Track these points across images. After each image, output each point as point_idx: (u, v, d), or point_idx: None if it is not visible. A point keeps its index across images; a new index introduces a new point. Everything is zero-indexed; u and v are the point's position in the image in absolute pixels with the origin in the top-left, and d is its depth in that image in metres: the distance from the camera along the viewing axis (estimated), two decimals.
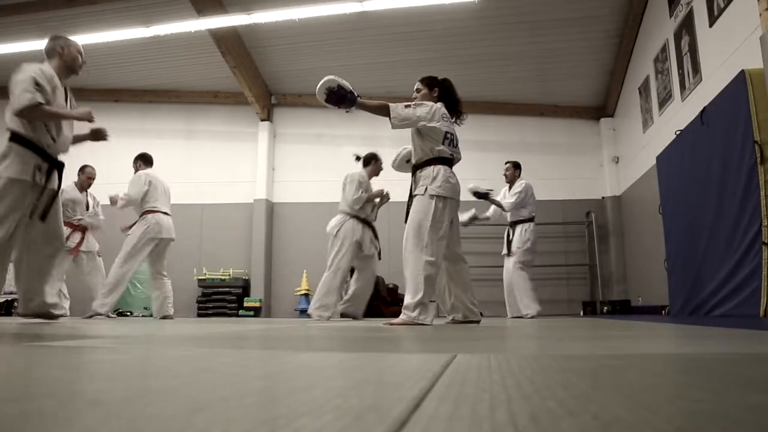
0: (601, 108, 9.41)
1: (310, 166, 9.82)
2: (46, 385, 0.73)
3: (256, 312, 9.00)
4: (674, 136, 5.71)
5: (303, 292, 9.04)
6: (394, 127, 3.64)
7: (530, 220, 6.39)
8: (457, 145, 3.81)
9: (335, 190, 9.87)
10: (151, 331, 2.71)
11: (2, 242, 3.24)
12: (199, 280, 9.16)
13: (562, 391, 0.63)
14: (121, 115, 10.27)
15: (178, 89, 10.02)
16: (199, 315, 8.90)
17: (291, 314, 9.01)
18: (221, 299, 9.06)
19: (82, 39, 7.67)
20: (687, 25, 6.08)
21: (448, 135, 3.70)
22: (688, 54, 6.08)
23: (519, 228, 6.32)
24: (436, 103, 3.75)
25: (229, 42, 8.18)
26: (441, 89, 3.87)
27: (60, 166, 3.55)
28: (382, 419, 0.48)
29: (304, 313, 8.86)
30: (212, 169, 9.87)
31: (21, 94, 3.20)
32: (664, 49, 6.82)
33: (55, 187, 3.51)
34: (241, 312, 8.99)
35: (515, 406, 0.54)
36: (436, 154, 3.67)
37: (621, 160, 9.05)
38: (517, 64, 8.61)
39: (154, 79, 9.78)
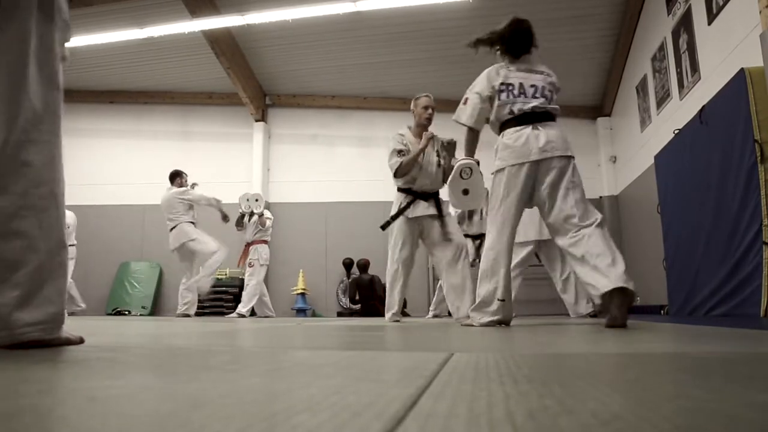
0: (598, 107, 9.41)
1: (305, 166, 9.83)
2: (42, 382, 0.73)
3: (253, 311, 8.98)
4: (672, 135, 5.71)
5: (299, 291, 9.04)
6: (475, 126, 3.09)
7: None
8: (528, 92, 2.98)
9: (330, 190, 10.01)
10: (149, 330, 2.70)
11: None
12: None
13: (560, 389, 0.62)
14: (116, 116, 10.28)
15: (172, 90, 10.01)
16: (197, 314, 8.87)
17: (288, 313, 9.01)
18: (218, 298, 9.03)
19: (76, 41, 7.73)
20: (685, 23, 6.07)
21: (504, 86, 3.01)
22: (687, 52, 6.08)
23: None
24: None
25: (223, 43, 8.16)
26: (503, 39, 3.17)
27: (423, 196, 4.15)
28: (380, 416, 0.47)
29: (300, 311, 8.87)
30: (207, 170, 9.82)
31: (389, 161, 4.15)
32: (662, 47, 6.82)
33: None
34: None
35: (513, 403, 0.54)
36: (497, 122, 3.04)
37: (618, 159, 9.06)
38: None
39: (148, 81, 9.77)
